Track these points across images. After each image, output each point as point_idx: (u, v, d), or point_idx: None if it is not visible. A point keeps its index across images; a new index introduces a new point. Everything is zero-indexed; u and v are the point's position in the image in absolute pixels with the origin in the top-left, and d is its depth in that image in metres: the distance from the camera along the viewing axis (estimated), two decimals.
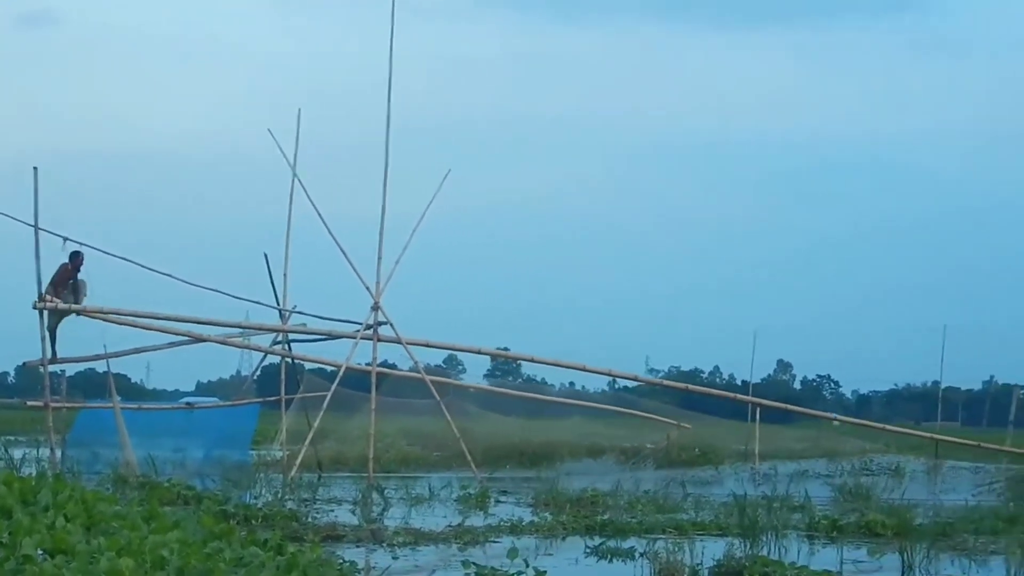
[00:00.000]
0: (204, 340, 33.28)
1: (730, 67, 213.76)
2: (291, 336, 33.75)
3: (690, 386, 37.49)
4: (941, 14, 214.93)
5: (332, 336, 33.13)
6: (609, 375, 33.42)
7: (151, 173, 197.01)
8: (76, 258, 29.89)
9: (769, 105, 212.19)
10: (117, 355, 32.03)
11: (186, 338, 32.44)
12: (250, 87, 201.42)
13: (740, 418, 43.97)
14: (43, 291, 28.72)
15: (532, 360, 33.80)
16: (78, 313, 30.00)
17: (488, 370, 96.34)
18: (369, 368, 31.84)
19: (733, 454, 40.53)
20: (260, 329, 34.35)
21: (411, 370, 34.44)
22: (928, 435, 37.48)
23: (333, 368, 34.32)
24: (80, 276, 30.15)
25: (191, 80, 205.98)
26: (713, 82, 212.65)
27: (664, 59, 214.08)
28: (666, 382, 37.01)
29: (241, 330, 34.03)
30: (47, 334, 29.38)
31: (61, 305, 29.34)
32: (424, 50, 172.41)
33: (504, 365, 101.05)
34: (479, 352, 34.19)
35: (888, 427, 39.58)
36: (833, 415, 44.66)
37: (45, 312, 28.90)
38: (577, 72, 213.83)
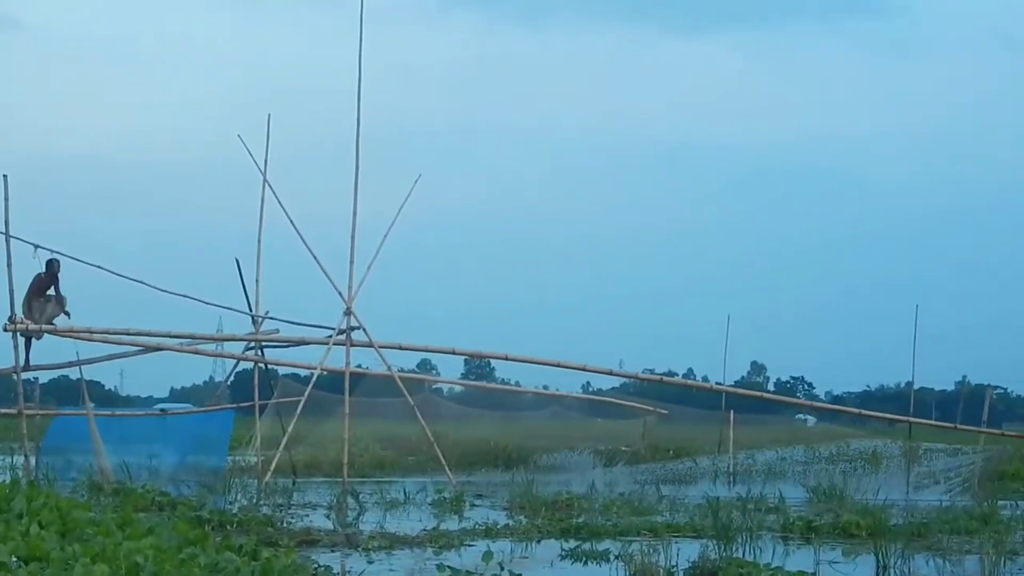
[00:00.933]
0: (176, 350, 33.36)
1: (697, 69, 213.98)
2: (264, 345, 33.68)
3: (664, 378, 37.48)
4: (901, 17, 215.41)
5: (304, 342, 33.06)
6: (584, 370, 33.32)
7: (120, 178, 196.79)
8: (52, 266, 29.70)
9: (739, 109, 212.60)
10: (90, 362, 31.92)
11: (158, 347, 32.50)
12: (220, 92, 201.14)
13: (715, 420, 44.06)
14: (21, 305, 28.69)
15: (506, 358, 33.67)
16: (50, 333, 29.96)
17: (462, 375, 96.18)
18: (343, 370, 31.72)
19: (709, 452, 40.61)
20: (233, 339, 34.33)
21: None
22: (903, 418, 37.47)
23: (307, 372, 34.24)
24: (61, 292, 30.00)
25: (161, 85, 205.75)
26: (681, 85, 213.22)
27: (630, 62, 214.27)
28: (640, 375, 36.80)
29: (214, 346, 34.13)
30: (22, 341, 29.30)
31: (32, 326, 29.21)
32: (392, 54, 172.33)
33: (478, 369, 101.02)
34: (453, 352, 34.06)
35: (864, 411, 39.53)
36: (810, 404, 44.67)
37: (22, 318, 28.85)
38: (543, 76, 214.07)
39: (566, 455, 39.11)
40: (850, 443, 38.02)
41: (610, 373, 34.97)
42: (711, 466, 37.04)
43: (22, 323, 28.83)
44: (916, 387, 46.53)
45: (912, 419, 37.44)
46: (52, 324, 29.79)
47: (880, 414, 39.98)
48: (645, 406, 43.80)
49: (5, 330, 28.74)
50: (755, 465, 35.77)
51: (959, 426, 36.52)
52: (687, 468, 36.93)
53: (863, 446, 37.09)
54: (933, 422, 39.29)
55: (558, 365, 33.21)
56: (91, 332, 30.71)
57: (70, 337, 30.53)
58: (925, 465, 34.20)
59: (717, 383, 44.39)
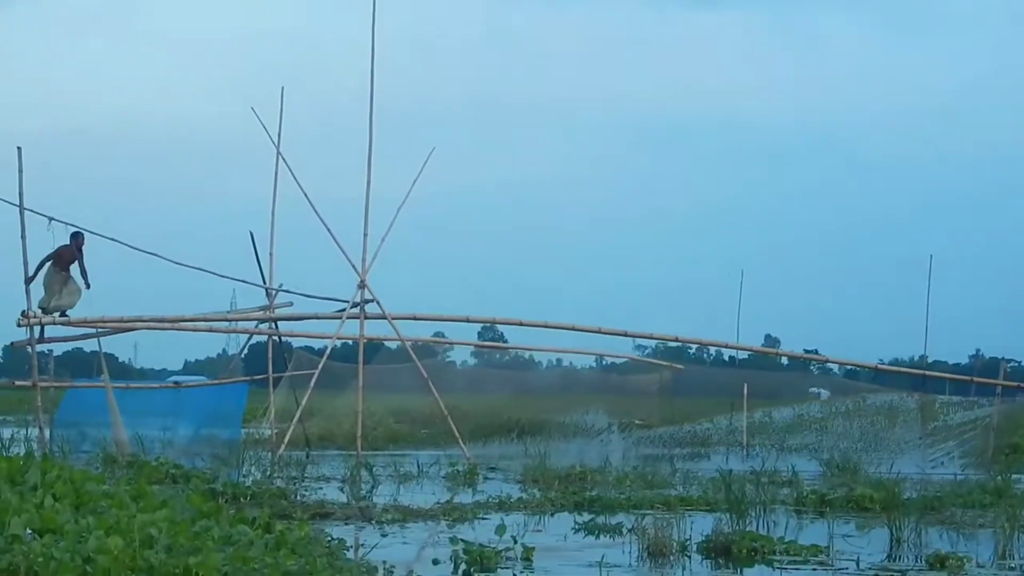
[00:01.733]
0: (190, 330, 33.54)
1: (711, 44, 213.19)
2: (278, 315, 33.69)
3: (680, 337, 37.34)
4: None
5: (318, 317, 33.05)
6: (599, 332, 33.44)
7: (134, 152, 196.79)
8: (77, 238, 29.78)
9: (752, 83, 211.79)
10: (104, 334, 31.97)
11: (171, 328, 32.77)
12: (233, 65, 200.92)
13: (728, 392, 43.99)
14: (29, 274, 28.77)
15: (520, 323, 33.74)
16: (64, 325, 30.20)
17: (474, 349, 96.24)
18: (357, 337, 31.72)
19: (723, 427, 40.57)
20: (247, 318, 34.41)
21: (398, 349, 34.52)
22: (918, 371, 37.37)
23: (322, 345, 34.30)
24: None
25: (175, 58, 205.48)
26: (696, 59, 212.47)
27: (643, 38, 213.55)
28: (655, 334, 36.61)
29: (228, 314, 34.24)
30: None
31: (45, 320, 29.41)
32: (408, 28, 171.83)
33: (491, 341, 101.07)
34: (467, 320, 34.06)
35: (880, 366, 39.40)
36: (824, 359, 44.29)
37: (30, 289, 28.96)
38: (558, 52, 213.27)
39: (580, 416, 39.02)
40: (866, 398, 38.07)
41: (624, 334, 34.91)
42: (728, 425, 37.20)
43: (35, 318, 29.02)
44: (930, 360, 46.44)
45: (929, 373, 37.29)
46: (66, 315, 29.95)
47: (897, 368, 39.72)
48: (662, 362, 43.88)
49: (19, 325, 28.99)
50: (772, 423, 35.95)
51: (975, 379, 36.46)
52: (704, 429, 37.11)
53: (879, 400, 37.10)
54: (949, 375, 39.07)
55: (572, 328, 33.40)
56: (104, 321, 30.89)
57: (83, 327, 30.77)
58: (941, 420, 34.23)
59: (731, 357, 44.33)
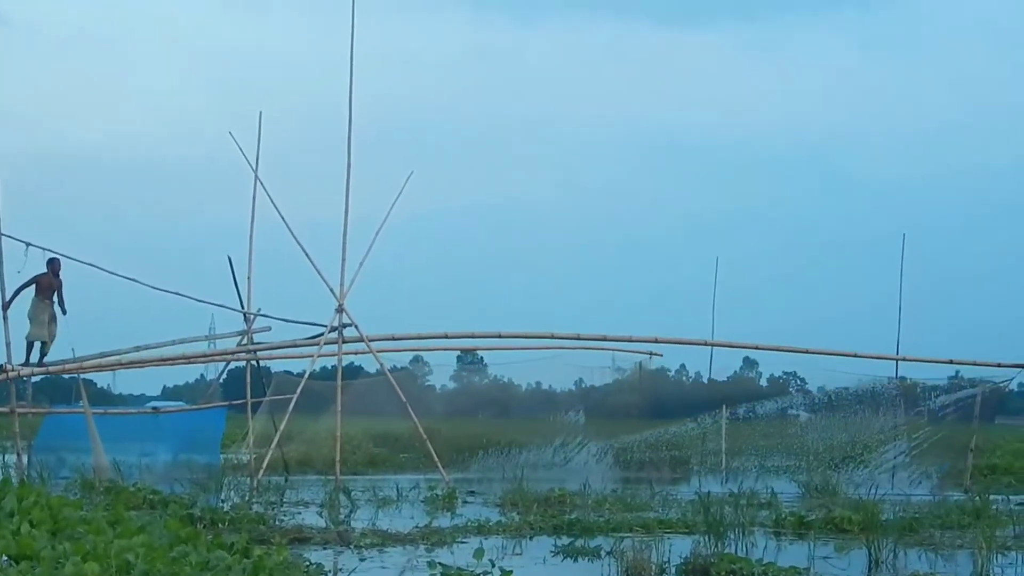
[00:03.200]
0: (170, 364, 33.64)
1: (689, 63, 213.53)
2: (256, 341, 33.65)
3: (659, 337, 37.29)
4: (894, 9, 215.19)
5: (295, 345, 33.06)
6: (577, 339, 33.76)
7: (111, 175, 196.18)
8: (53, 264, 29.94)
9: (730, 102, 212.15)
10: (84, 368, 31.89)
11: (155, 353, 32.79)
12: (211, 88, 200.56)
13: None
14: (8, 300, 28.82)
15: (499, 335, 33.75)
16: (42, 374, 30.43)
17: (455, 371, 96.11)
18: (335, 354, 31.73)
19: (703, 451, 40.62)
20: (224, 351, 34.48)
21: (377, 373, 34.50)
22: (895, 356, 37.39)
23: (301, 368, 34.36)
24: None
25: (151, 82, 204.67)
26: (673, 78, 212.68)
27: (621, 57, 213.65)
28: (634, 338, 36.59)
29: (206, 344, 34.33)
30: (25, 344, 29.65)
31: (24, 371, 29.60)
32: (386, 50, 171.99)
33: (470, 365, 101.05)
34: (445, 336, 34.04)
35: (859, 354, 39.39)
36: (804, 350, 44.19)
37: (7, 315, 29.01)
38: (537, 71, 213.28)
39: (561, 416, 39.09)
40: (849, 388, 38.29)
41: (603, 339, 35.07)
42: (712, 423, 37.46)
43: (13, 371, 29.13)
44: (908, 383, 46.40)
45: (904, 358, 37.30)
46: (44, 365, 30.13)
47: (871, 355, 39.50)
48: (641, 351, 43.87)
49: None
50: (756, 419, 36.28)
51: (954, 360, 36.48)
52: (688, 430, 37.27)
53: (862, 389, 37.35)
54: (925, 359, 38.99)
55: (551, 336, 33.52)
56: (81, 366, 30.96)
57: (62, 373, 31.00)
58: (923, 404, 34.44)
59: (710, 379, 44.22)
